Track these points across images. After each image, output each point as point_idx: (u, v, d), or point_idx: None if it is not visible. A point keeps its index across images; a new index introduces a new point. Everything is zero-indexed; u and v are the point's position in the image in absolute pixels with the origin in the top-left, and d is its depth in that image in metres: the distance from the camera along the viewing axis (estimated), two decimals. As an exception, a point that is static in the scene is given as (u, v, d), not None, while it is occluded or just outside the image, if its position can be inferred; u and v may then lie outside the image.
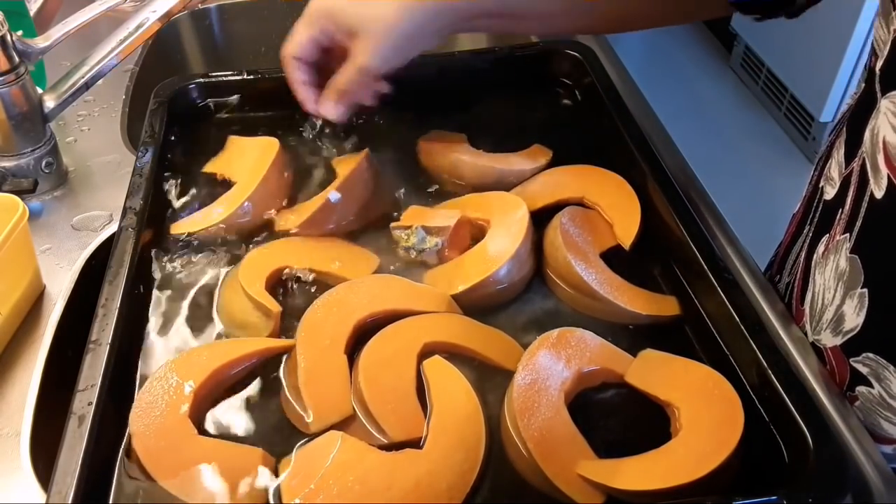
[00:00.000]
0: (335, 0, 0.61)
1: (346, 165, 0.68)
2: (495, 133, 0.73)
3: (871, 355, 0.53)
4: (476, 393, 0.51)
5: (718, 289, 0.54)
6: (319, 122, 0.71)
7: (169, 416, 0.49)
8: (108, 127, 0.84)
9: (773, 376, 0.49)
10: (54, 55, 0.76)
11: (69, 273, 0.67)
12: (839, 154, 0.56)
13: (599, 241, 0.62)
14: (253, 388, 0.53)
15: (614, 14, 0.65)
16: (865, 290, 0.52)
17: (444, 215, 0.62)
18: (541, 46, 0.82)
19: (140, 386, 0.51)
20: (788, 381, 0.49)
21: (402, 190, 0.67)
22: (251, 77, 0.76)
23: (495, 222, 0.62)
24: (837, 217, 0.55)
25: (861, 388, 0.54)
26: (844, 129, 0.57)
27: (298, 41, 0.63)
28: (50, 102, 0.74)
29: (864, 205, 0.51)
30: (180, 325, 0.57)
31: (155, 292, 0.59)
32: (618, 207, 0.64)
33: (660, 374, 0.52)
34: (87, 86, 0.75)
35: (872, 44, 0.51)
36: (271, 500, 0.46)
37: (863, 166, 0.52)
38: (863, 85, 0.53)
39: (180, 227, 0.64)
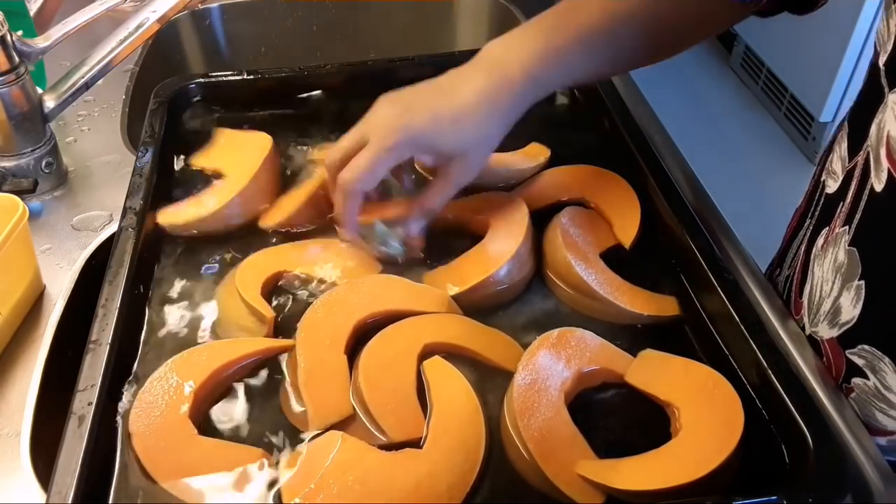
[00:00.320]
0: (431, 126, 0.55)
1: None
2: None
3: (866, 347, 0.53)
4: (476, 393, 0.51)
5: (718, 289, 0.54)
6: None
7: (169, 416, 0.49)
8: (108, 127, 0.84)
9: (773, 376, 0.49)
10: (54, 55, 0.76)
11: (69, 273, 0.67)
12: (841, 148, 0.57)
13: (599, 241, 0.62)
14: (253, 388, 0.53)
15: (654, 44, 0.62)
16: (862, 282, 0.52)
17: (400, 204, 0.60)
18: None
19: (140, 386, 0.51)
20: (788, 381, 0.49)
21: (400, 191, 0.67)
22: (251, 77, 0.76)
23: (495, 223, 0.62)
24: (838, 210, 0.55)
25: (857, 380, 0.55)
26: (847, 123, 0.57)
27: (375, 171, 0.55)
28: (50, 102, 0.74)
29: (865, 198, 0.52)
30: (180, 326, 0.57)
31: (155, 292, 0.59)
32: (618, 207, 0.64)
33: (660, 374, 0.52)
34: (87, 86, 0.75)
35: (875, 39, 0.51)
36: (271, 500, 0.46)
37: (866, 160, 0.52)
38: (865, 81, 0.53)
39: (167, 217, 0.63)
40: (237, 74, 0.77)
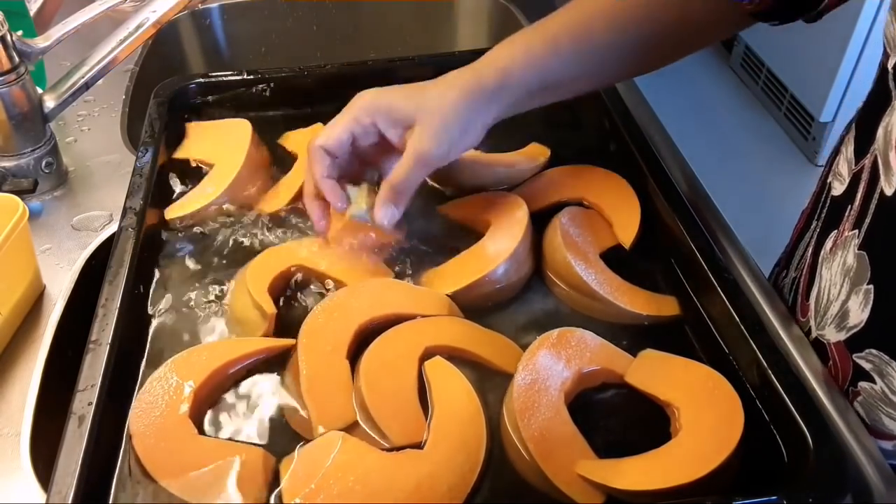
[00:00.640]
0: (388, 94, 0.59)
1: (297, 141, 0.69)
2: (493, 132, 0.72)
3: (874, 351, 0.53)
4: (477, 394, 0.51)
5: (718, 289, 0.54)
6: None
7: (169, 416, 0.49)
8: (108, 127, 0.84)
9: (773, 376, 0.49)
10: (54, 55, 0.75)
11: (69, 273, 0.67)
12: (848, 150, 0.57)
13: (599, 241, 0.62)
14: (253, 387, 0.53)
15: (646, 55, 0.62)
16: (871, 286, 0.52)
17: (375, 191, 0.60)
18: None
19: (140, 386, 0.51)
20: (788, 381, 0.49)
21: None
22: (251, 77, 0.76)
23: (495, 222, 0.62)
24: (846, 213, 0.55)
25: (864, 384, 0.54)
26: (854, 125, 0.57)
27: (337, 134, 0.59)
28: (50, 102, 0.74)
29: (874, 202, 0.52)
30: (180, 326, 0.57)
31: (155, 292, 0.59)
32: (618, 207, 0.64)
33: (660, 374, 0.52)
34: (87, 86, 0.75)
35: (884, 42, 0.51)
36: (272, 500, 0.46)
37: (874, 163, 0.52)
38: (873, 84, 0.53)
39: (174, 212, 0.64)
40: (237, 74, 0.77)
